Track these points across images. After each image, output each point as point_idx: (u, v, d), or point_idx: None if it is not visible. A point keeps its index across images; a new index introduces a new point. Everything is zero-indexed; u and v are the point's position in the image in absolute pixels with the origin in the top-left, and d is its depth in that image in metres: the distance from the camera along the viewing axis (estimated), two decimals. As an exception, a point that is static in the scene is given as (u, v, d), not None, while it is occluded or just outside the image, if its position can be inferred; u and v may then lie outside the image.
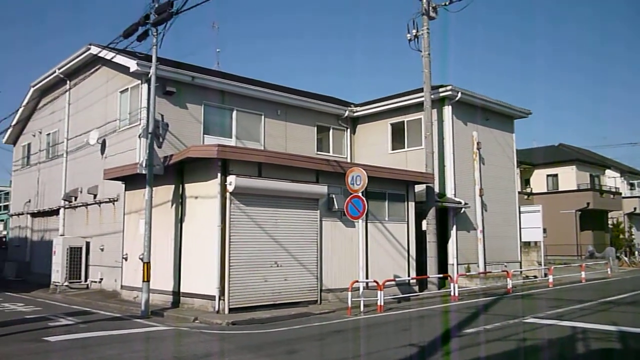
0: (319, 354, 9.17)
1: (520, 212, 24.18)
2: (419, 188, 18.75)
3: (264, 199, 14.03)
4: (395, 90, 24.19)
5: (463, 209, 20.51)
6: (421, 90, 19.50)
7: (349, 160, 22.91)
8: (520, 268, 23.45)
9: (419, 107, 20.35)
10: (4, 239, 32.23)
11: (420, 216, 18.59)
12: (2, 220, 35.20)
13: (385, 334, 11.19)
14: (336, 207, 15.46)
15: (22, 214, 26.49)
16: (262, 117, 20.52)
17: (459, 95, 20.50)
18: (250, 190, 13.71)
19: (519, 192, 25.24)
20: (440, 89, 20.33)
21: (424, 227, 18.60)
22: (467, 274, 20.01)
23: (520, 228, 23.99)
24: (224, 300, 13.07)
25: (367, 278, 15.07)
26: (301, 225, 14.85)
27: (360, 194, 14.17)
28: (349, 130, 23.74)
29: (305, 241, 14.91)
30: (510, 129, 24.29)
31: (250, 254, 13.65)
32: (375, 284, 14.45)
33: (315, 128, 22.46)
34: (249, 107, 20.09)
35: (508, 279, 18.83)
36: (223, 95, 19.27)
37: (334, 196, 15.52)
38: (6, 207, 35.38)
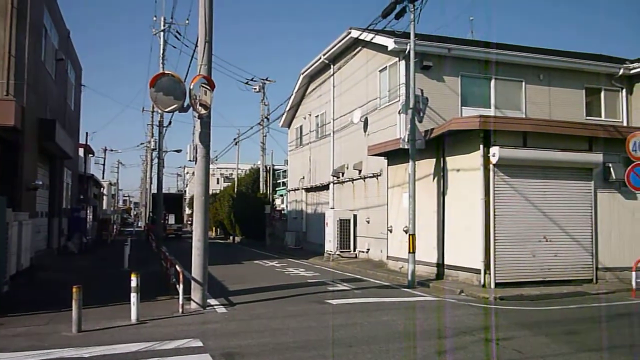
0: (602, 338, 8.39)
1: None
2: None
3: (530, 169, 13.31)
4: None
5: None
6: None
7: (625, 124, 20.35)
8: None
9: None
10: (282, 211, 36.50)
11: None
12: (282, 195, 39.80)
13: (683, 321, 9.76)
14: (614, 177, 14.02)
15: (298, 189, 29.69)
16: (523, 83, 19.39)
17: None
18: (515, 161, 13.13)
19: None
20: None
21: None
22: None
23: None
24: (489, 274, 12.83)
25: (655, 256, 13.32)
26: (572, 197, 13.75)
27: (644, 162, 12.56)
28: (624, 90, 21.03)
29: (578, 214, 13.78)
30: None
31: (517, 227, 13.12)
32: (666, 263, 12.68)
33: (584, 91, 20.40)
34: (508, 74, 19.15)
35: None
36: (480, 65, 18.70)
37: (610, 165, 14.08)
38: (284, 184, 39.97)
